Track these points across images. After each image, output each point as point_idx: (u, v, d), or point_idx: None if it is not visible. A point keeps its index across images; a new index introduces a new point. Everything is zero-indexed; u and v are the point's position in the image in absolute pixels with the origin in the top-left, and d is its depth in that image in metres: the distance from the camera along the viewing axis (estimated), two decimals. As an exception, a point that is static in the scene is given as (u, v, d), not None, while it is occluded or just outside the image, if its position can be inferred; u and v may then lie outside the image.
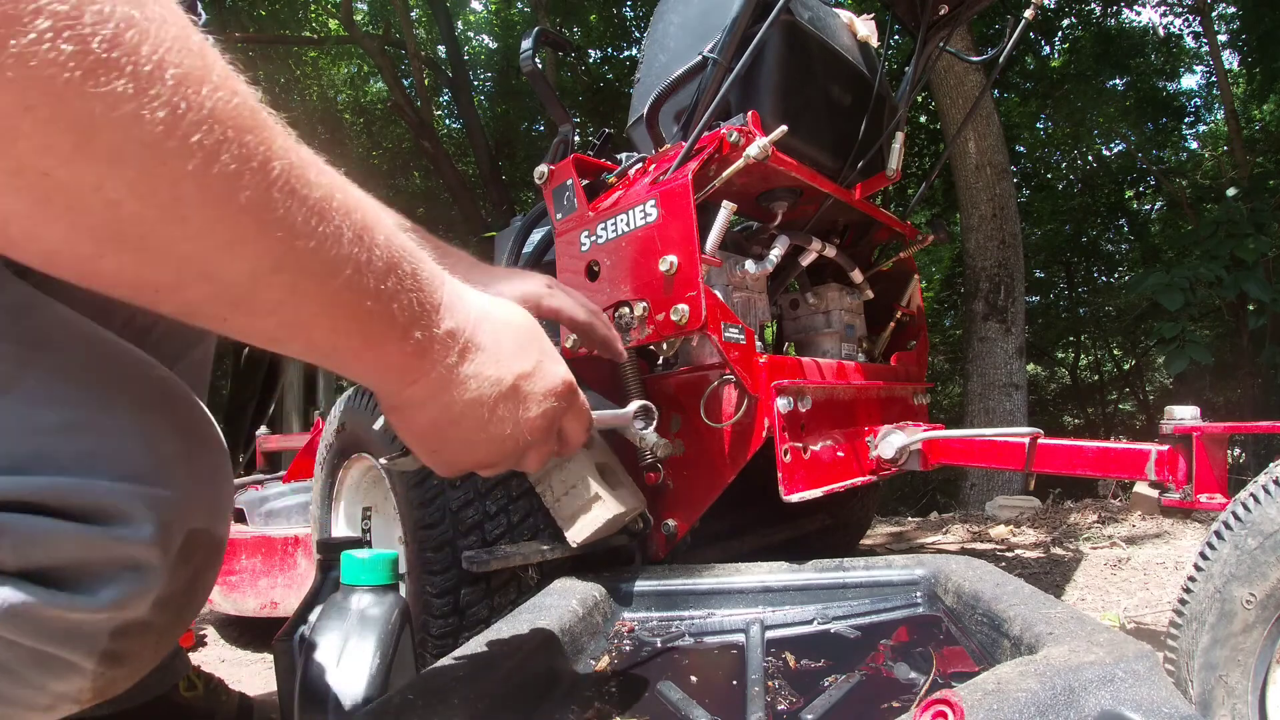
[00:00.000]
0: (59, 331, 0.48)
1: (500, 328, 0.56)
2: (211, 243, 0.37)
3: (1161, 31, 9.10)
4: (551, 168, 1.40)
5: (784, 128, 1.20)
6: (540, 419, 0.58)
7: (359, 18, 9.43)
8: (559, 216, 1.38)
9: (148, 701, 0.97)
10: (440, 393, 0.51)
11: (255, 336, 0.43)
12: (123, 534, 0.44)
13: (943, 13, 1.58)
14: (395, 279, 0.45)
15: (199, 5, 0.84)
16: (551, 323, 1.46)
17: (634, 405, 0.91)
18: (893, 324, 1.80)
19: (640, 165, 1.39)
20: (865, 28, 1.65)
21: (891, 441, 1.39)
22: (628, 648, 0.97)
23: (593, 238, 1.31)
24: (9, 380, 0.43)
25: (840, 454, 1.36)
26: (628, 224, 1.25)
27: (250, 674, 1.57)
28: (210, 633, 1.89)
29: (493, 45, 11.41)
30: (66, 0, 0.31)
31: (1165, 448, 1.06)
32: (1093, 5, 8.70)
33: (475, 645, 0.79)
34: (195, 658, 1.71)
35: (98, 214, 0.34)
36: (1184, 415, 1.06)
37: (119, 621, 0.45)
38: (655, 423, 0.93)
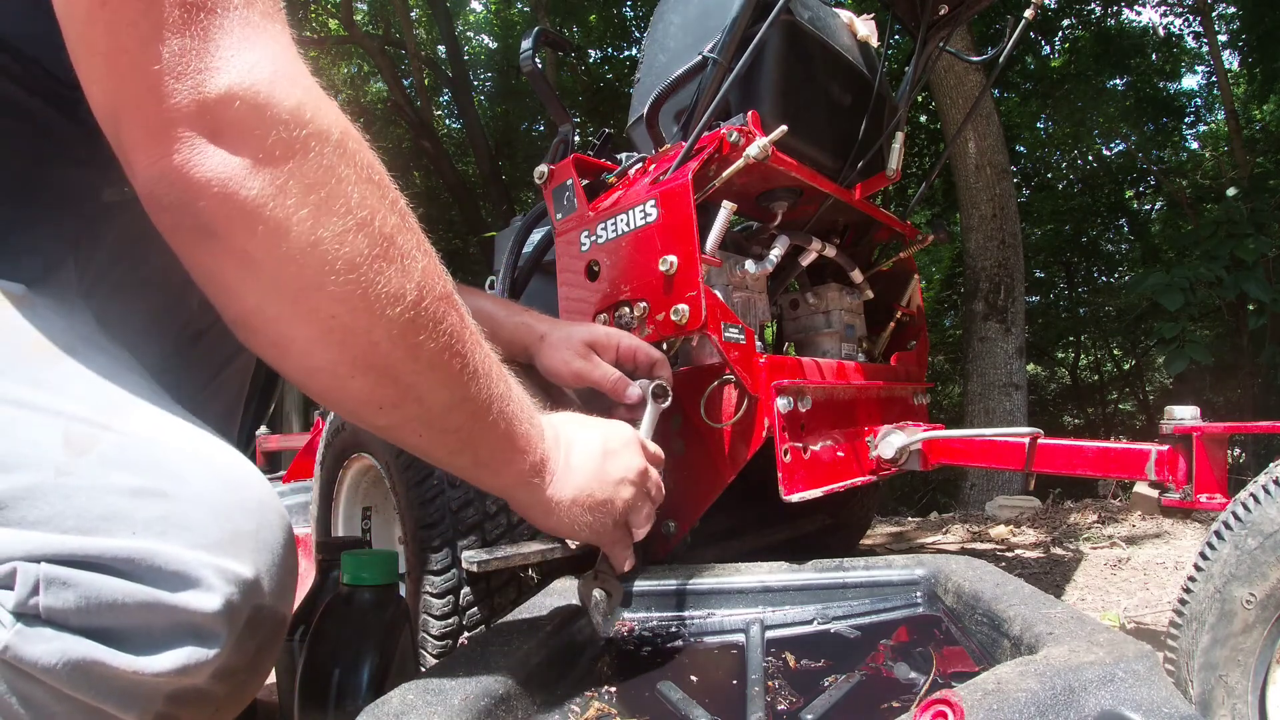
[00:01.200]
0: (137, 399, 0.50)
1: (581, 428, 0.76)
2: (429, 379, 0.55)
3: (1162, 31, 9.10)
4: (551, 168, 1.40)
5: (784, 128, 1.20)
6: (628, 494, 0.77)
7: (359, 18, 9.43)
8: (559, 216, 1.38)
9: None
10: (567, 479, 0.70)
11: (428, 450, 0.60)
12: (190, 601, 0.44)
13: (943, 13, 1.58)
14: (523, 404, 0.66)
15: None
16: None
17: (644, 387, 0.97)
18: (893, 324, 1.80)
19: (640, 165, 1.39)
20: (865, 28, 1.65)
21: (891, 441, 1.39)
22: (628, 648, 0.97)
23: (593, 238, 1.31)
24: (88, 442, 0.45)
25: (840, 454, 1.36)
26: (628, 224, 1.25)
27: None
28: (210, 633, 1.89)
29: (493, 45, 11.42)
30: (387, 223, 0.52)
31: (1165, 448, 1.06)
32: (1093, 5, 8.70)
33: (475, 645, 0.78)
34: None
35: (361, 348, 0.51)
36: (1184, 415, 1.06)
37: (176, 687, 0.45)
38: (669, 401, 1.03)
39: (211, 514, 0.47)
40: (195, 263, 0.50)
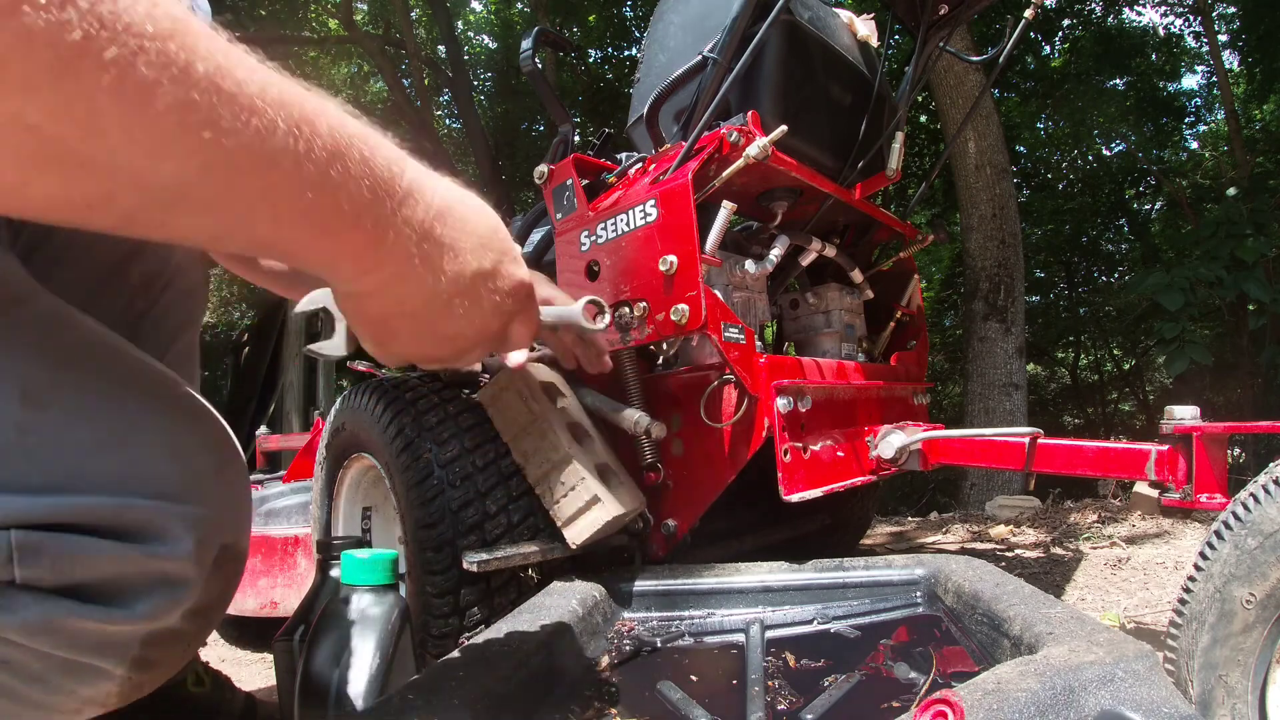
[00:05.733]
0: (88, 348, 0.48)
1: (463, 222, 0.54)
2: (134, 152, 0.36)
3: (1162, 31, 9.10)
4: (551, 167, 1.40)
5: (784, 128, 1.20)
6: (493, 319, 0.57)
7: (359, 18, 9.43)
8: (559, 216, 1.38)
9: (155, 695, 0.97)
10: (396, 284, 0.50)
11: (198, 236, 0.43)
12: (160, 551, 0.45)
13: (943, 13, 1.58)
14: (342, 167, 0.44)
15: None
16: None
17: (584, 300, 0.88)
18: (893, 324, 1.80)
19: (640, 165, 1.39)
20: (865, 27, 1.65)
21: (891, 441, 1.39)
22: (628, 648, 0.97)
23: (593, 237, 1.31)
24: (44, 398, 0.44)
25: (840, 454, 1.36)
26: (628, 224, 1.25)
27: (250, 674, 1.57)
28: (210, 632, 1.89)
29: (493, 45, 11.41)
30: None
31: (1165, 448, 1.06)
32: (1093, 5, 8.70)
33: (475, 645, 0.79)
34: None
35: (18, 141, 0.34)
36: (1184, 415, 1.06)
37: (150, 631, 0.46)
38: (609, 319, 0.90)
39: (172, 459, 0.47)
40: None
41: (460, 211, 0.54)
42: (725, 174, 1.24)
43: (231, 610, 1.71)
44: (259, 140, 0.40)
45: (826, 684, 0.84)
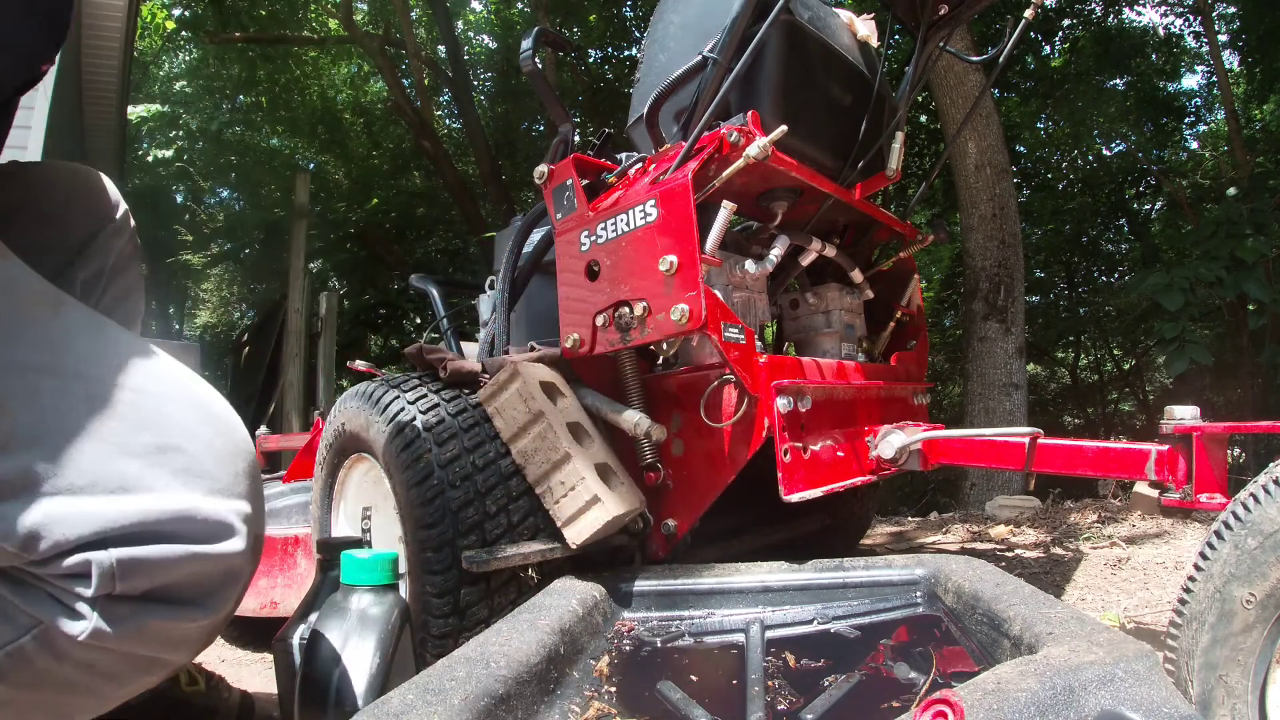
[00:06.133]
0: (128, 344, 0.52)
1: None
2: None
3: (1162, 31, 9.10)
4: (551, 168, 1.40)
5: (784, 128, 1.20)
6: None
7: (359, 18, 9.42)
8: (559, 216, 1.38)
9: (150, 697, 0.97)
10: None
11: None
12: (225, 549, 0.49)
13: (943, 13, 1.58)
14: None
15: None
16: (541, 322, 1.47)
17: None
18: (893, 324, 1.80)
19: (640, 165, 1.39)
20: (865, 28, 1.65)
21: (891, 441, 1.39)
22: (628, 648, 0.97)
23: (593, 237, 1.31)
24: (109, 404, 0.47)
25: (840, 454, 1.36)
26: (628, 224, 1.25)
27: (250, 674, 1.57)
28: (210, 633, 1.89)
29: (493, 45, 11.41)
30: None
31: (1165, 448, 1.06)
32: (1093, 5, 8.69)
33: (475, 645, 0.78)
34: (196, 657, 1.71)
35: None
36: (1184, 415, 1.06)
37: (216, 622, 0.50)
38: None
39: (218, 461, 0.50)
40: None
41: None
42: (725, 174, 1.24)
43: (231, 610, 1.71)
44: None
45: (826, 684, 0.84)
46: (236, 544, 0.49)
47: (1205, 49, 8.47)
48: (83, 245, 0.73)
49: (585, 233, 1.32)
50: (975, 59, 2.71)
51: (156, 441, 0.47)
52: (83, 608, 0.43)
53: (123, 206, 0.81)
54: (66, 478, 0.43)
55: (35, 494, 0.43)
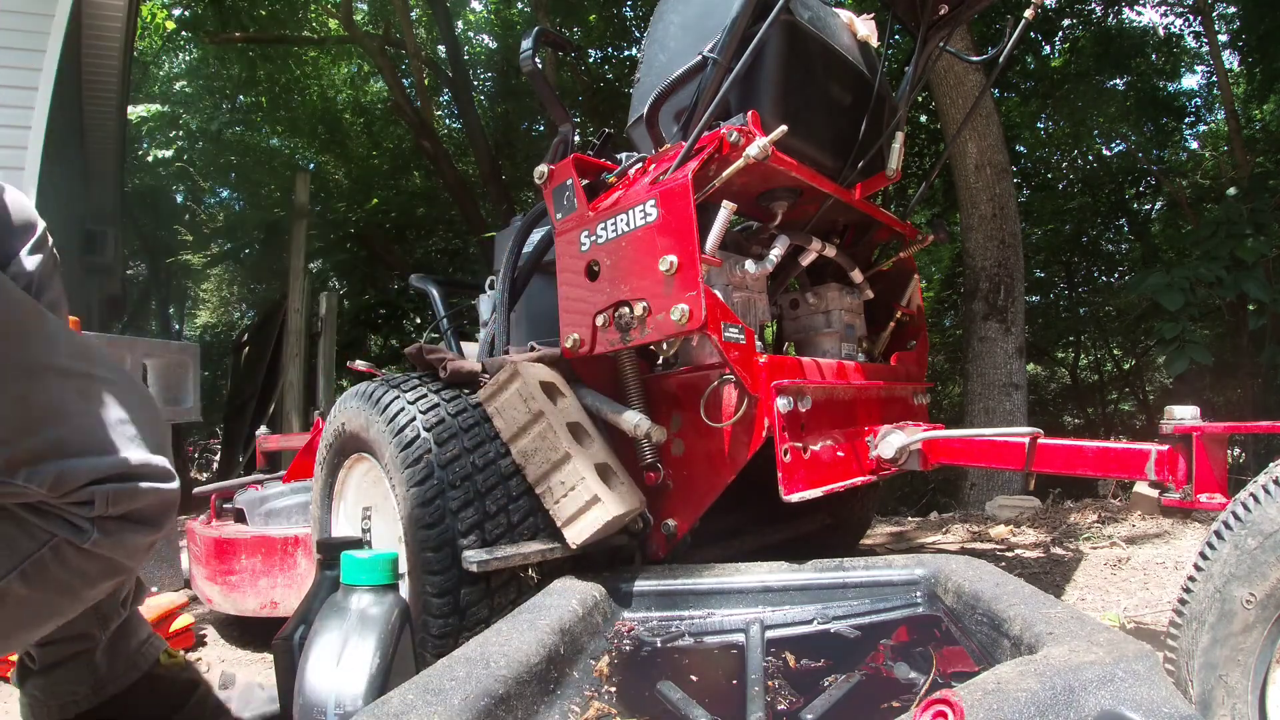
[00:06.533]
0: (88, 346, 0.71)
1: None
2: None
3: (1162, 31, 9.09)
4: (551, 168, 1.40)
5: (784, 128, 1.20)
6: None
7: (359, 18, 9.42)
8: (559, 216, 1.38)
9: (137, 680, 1.00)
10: None
11: None
12: (168, 486, 0.72)
13: (943, 13, 1.58)
14: None
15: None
16: (542, 322, 1.47)
17: None
18: (893, 324, 1.80)
19: (640, 165, 1.39)
20: (865, 28, 1.65)
21: (891, 441, 1.39)
22: (628, 648, 0.97)
23: (593, 237, 1.31)
24: (93, 394, 0.68)
25: (840, 454, 1.36)
26: (628, 224, 1.25)
27: (250, 674, 1.57)
28: (210, 632, 1.88)
29: (493, 45, 11.40)
30: None
31: (1165, 448, 1.06)
32: (1093, 5, 8.69)
33: (475, 645, 0.78)
34: (194, 657, 1.71)
35: None
36: (1184, 415, 1.06)
37: (157, 539, 0.72)
38: None
39: (155, 430, 0.73)
40: None
41: None
42: (725, 174, 1.24)
43: (231, 610, 1.71)
44: None
45: (826, 684, 0.84)
46: (174, 484, 0.72)
47: (1205, 49, 8.47)
48: (5, 262, 0.84)
49: (585, 233, 1.32)
50: (975, 59, 2.71)
51: (122, 417, 0.69)
52: (86, 525, 0.65)
53: (40, 223, 0.89)
54: (75, 445, 0.64)
55: (59, 455, 0.63)
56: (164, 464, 0.70)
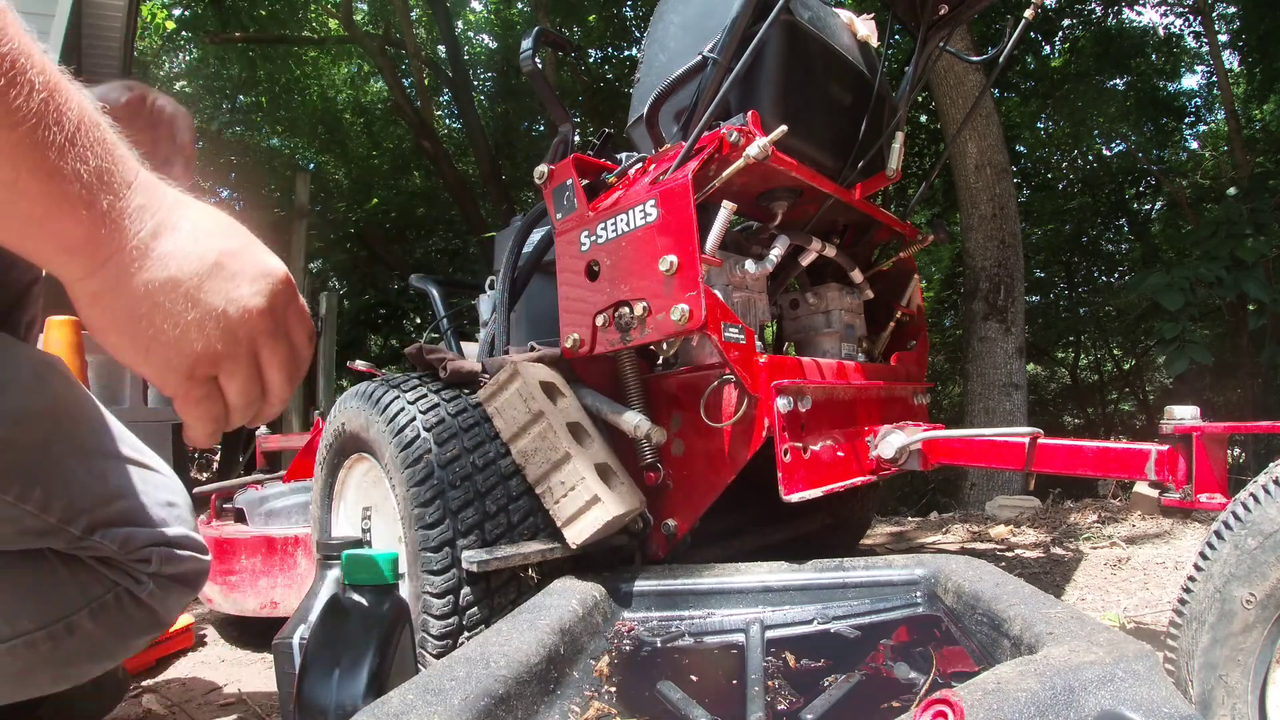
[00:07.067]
0: (132, 437, 0.83)
1: (199, 213, 0.52)
2: None
3: (1162, 31, 9.10)
4: (551, 168, 1.40)
5: (784, 128, 1.20)
6: (259, 300, 0.51)
7: (359, 18, 9.42)
8: (559, 216, 1.38)
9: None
10: (135, 270, 0.47)
11: None
12: (202, 557, 0.83)
13: (943, 13, 1.58)
14: (85, 142, 0.45)
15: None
16: (542, 322, 1.47)
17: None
18: (893, 324, 1.80)
19: (640, 165, 1.39)
20: (865, 28, 1.65)
21: (891, 441, 1.39)
22: (628, 648, 0.97)
23: (593, 237, 1.31)
24: (144, 479, 0.80)
25: (840, 454, 1.36)
26: (628, 224, 1.25)
27: (250, 674, 1.57)
28: (210, 632, 1.89)
29: (493, 45, 11.41)
30: None
31: (1165, 448, 1.06)
32: (1093, 5, 8.69)
33: (475, 645, 0.78)
34: (195, 657, 1.71)
35: None
36: (1184, 415, 1.06)
37: (190, 599, 0.86)
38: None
39: (190, 513, 0.84)
40: None
41: (195, 204, 0.53)
42: (725, 174, 1.24)
43: (231, 610, 1.71)
44: (10, 97, 0.42)
45: (826, 684, 0.84)
46: (206, 556, 0.84)
47: (1205, 49, 8.47)
48: (26, 289, 0.86)
49: (585, 233, 1.32)
50: (975, 59, 2.71)
51: (169, 500, 0.81)
52: (144, 579, 0.77)
53: None
54: (138, 516, 0.76)
55: (126, 523, 0.75)
56: (201, 540, 0.83)
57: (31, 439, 0.67)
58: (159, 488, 0.80)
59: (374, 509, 1.41)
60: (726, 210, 1.21)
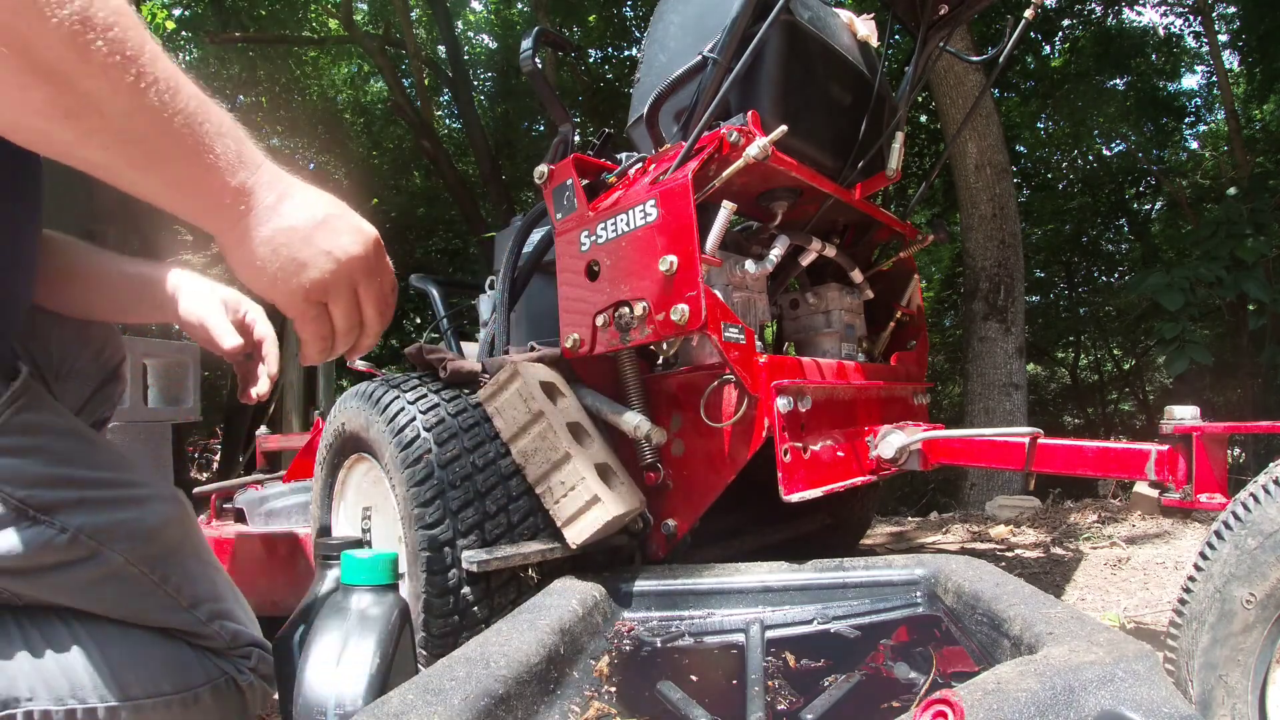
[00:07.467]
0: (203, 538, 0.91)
1: (311, 189, 0.68)
2: (105, 84, 0.54)
3: (1162, 31, 9.10)
4: (551, 168, 1.40)
5: (784, 128, 1.20)
6: (356, 248, 0.68)
7: (359, 18, 9.42)
8: (559, 216, 1.38)
9: None
10: (266, 221, 0.64)
11: (126, 166, 0.59)
12: (271, 660, 0.91)
13: (943, 13, 1.58)
14: (230, 134, 0.63)
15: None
16: (542, 322, 1.47)
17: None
18: (893, 324, 1.80)
19: (640, 165, 1.39)
20: (865, 28, 1.65)
21: (891, 441, 1.39)
22: (628, 648, 0.97)
23: (593, 237, 1.31)
24: (232, 586, 0.90)
25: (840, 454, 1.36)
26: (628, 224, 1.25)
27: (250, 674, 1.57)
28: (210, 633, 1.88)
29: (493, 45, 11.41)
30: None
31: (1165, 448, 1.06)
32: (1093, 5, 8.69)
33: (475, 645, 0.78)
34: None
35: (33, 51, 0.50)
36: (1184, 415, 1.06)
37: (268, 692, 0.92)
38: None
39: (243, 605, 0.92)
40: None
41: (307, 184, 0.68)
42: (725, 174, 1.24)
43: (231, 610, 1.72)
44: (170, 99, 0.58)
45: (826, 684, 0.84)
46: (272, 657, 0.91)
47: (1205, 49, 8.47)
48: (103, 384, 0.97)
49: (585, 233, 1.32)
50: (975, 59, 2.71)
51: (244, 603, 0.90)
52: (246, 671, 0.85)
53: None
54: (236, 616, 0.87)
55: (231, 619, 0.85)
56: (263, 640, 0.91)
57: (170, 540, 0.82)
58: (238, 594, 0.91)
59: (374, 509, 1.41)
60: (726, 210, 1.21)
